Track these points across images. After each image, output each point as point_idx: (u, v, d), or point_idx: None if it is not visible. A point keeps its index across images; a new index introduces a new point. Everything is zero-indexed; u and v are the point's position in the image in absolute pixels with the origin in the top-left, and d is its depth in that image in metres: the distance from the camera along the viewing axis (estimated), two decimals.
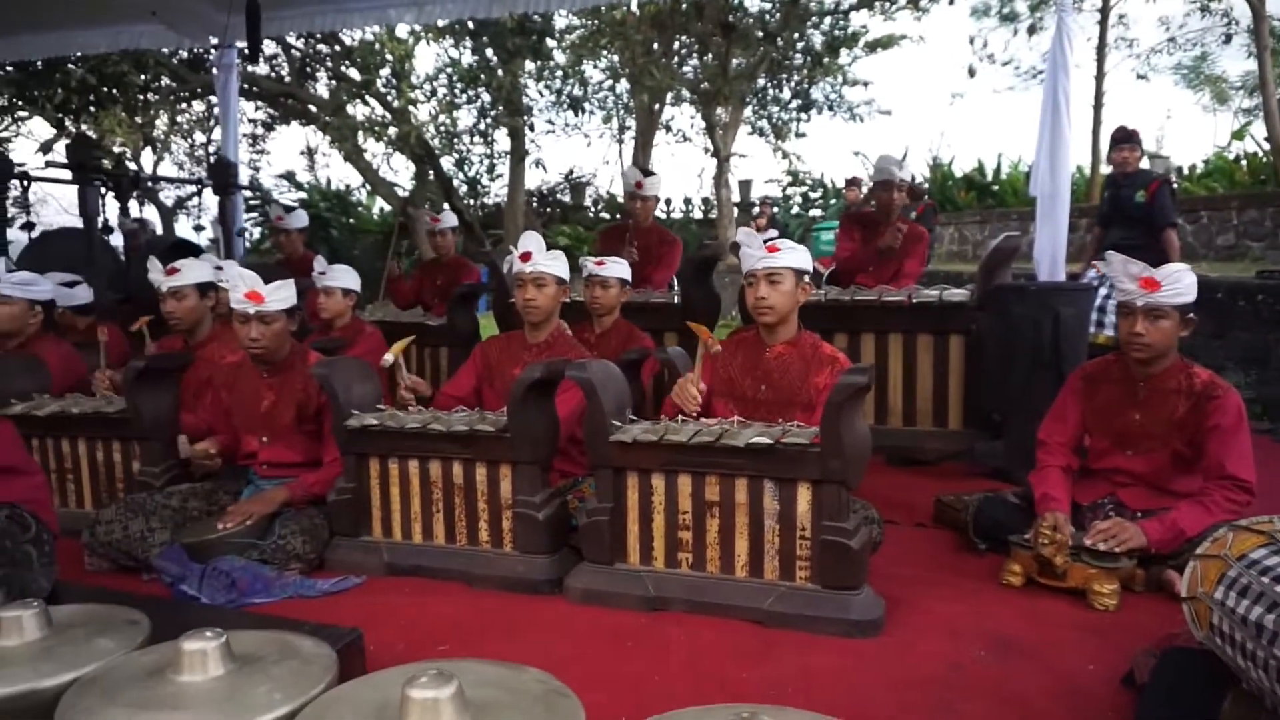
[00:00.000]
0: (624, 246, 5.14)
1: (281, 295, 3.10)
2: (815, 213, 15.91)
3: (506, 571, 2.78)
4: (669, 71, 12.85)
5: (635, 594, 2.60)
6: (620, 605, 2.59)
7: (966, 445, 4.04)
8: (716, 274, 4.96)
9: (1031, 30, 14.64)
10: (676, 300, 4.54)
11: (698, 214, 17.99)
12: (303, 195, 17.91)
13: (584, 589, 2.65)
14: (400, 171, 17.34)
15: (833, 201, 15.50)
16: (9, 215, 5.97)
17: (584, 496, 2.97)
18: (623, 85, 15.51)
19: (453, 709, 0.88)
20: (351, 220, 17.81)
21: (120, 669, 1.04)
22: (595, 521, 2.64)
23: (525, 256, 3.31)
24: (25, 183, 5.83)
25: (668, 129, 16.83)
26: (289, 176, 18.37)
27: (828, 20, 13.67)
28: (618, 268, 3.91)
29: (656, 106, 15.30)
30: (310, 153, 18.53)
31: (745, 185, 17.39)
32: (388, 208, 17.61)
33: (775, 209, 15.58)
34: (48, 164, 5.75)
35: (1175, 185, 6.94)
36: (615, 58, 14.25)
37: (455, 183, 16.17)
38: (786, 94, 14.95)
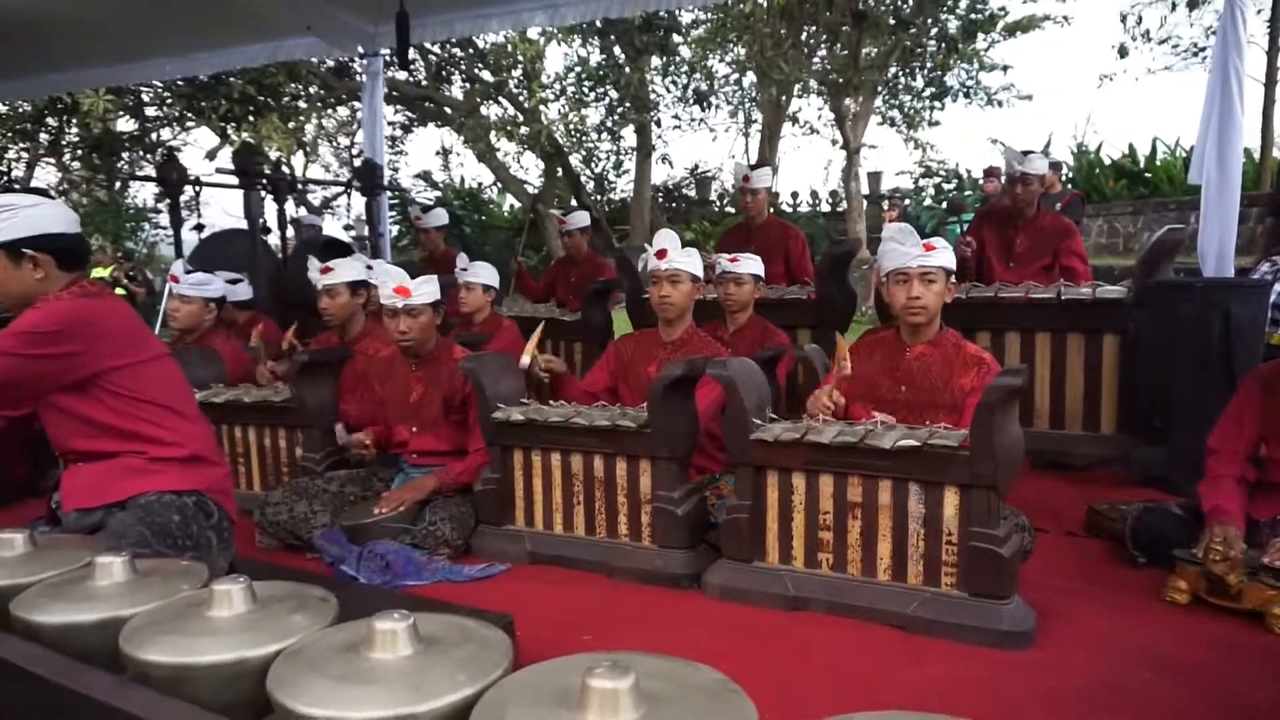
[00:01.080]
0: (742, 243, 5.11)
1: (426, 290, 3.25)
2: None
3: (645, 565, 2.82)
4: (798, 63, 12.66)
5: (774, 592, 2.59)
6: (759, 603, 2.59)
7: (1121, 451, 3.82)
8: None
9: (1193, 4, 13.59)
10: (811, 296, 4.48)
11: (825, 207, 17.66)
12: (438, 194, 18.66)
13: (722, 585, 2.66)
14: (530, 169, 17.79)
15: (968, 193, 14.90)
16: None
17: (721, 493, 2.99)
18: (749, 78, 15.40)
19: (630, 700, 0.91)
20: (483, 217, 18.43)
21: (318, 643, 1.12)
22: (734, 519, 2.65)
23: (661, 254, 3.35)
24: (197, 188, 6.30)
25: (794, 121, 16.60)
26: (425, 176, 19.19)
27: (964, 4, 13.15)
28: (751, 264, 3.89)
29: (783, 99, 15.12)
30: (445, 153, 19.28)
31: (875, 177, 16.96)
32: (517, 204, 18.12)
33: (906, 201, 15.12)
34: (217, 170, 6.18)
35: None
36: (741, 51, 14.16)
37: (583, 179, 16.48)
38: (919, 82, 14.48)
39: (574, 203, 17.14)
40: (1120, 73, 22.23)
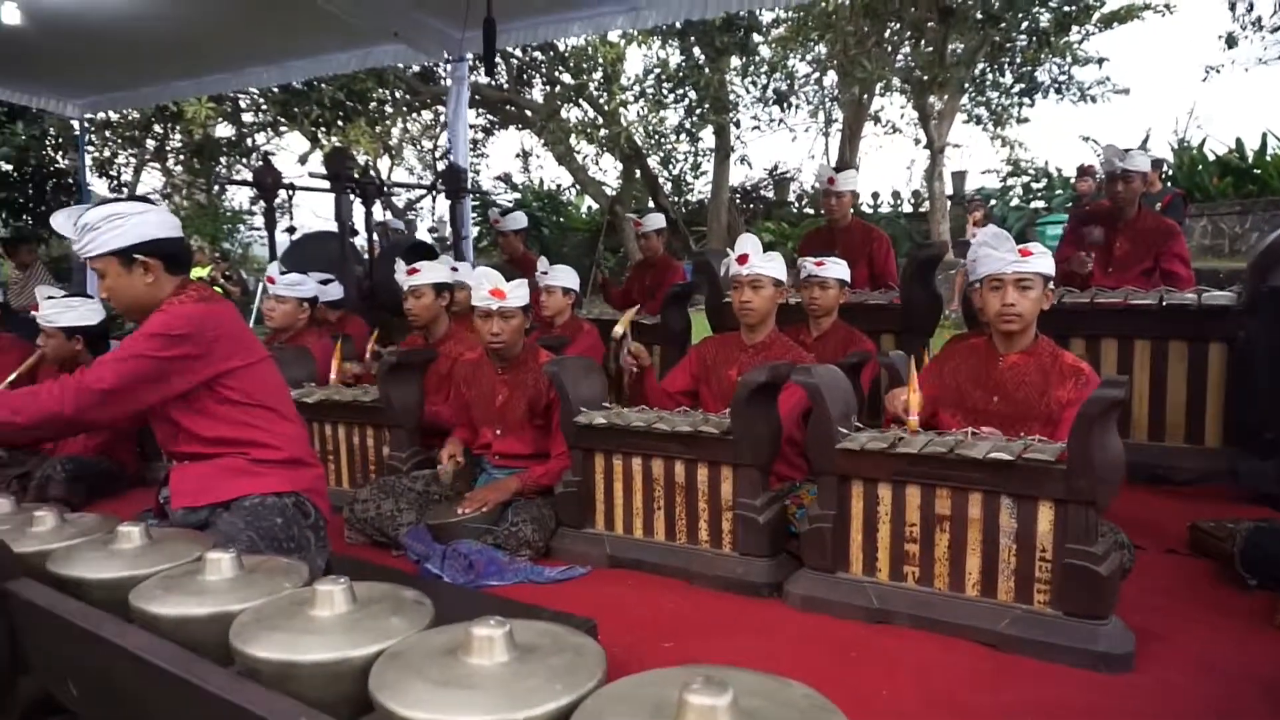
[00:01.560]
0: (826, 247, 5.04)
1: (520, 293, 3.31)
2: (1038, 204, 14.81)
3: (725, 572, 2.81)
4: (881, 61, 12.42)
5: (857, 604, 2.55)
6: (841, 614, 2.55)
7: (1226, 466, 3.63)
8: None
9: None
10: (895, 301, 4.39)
11: (906, 208, 17.30)
12: (517, 196, 18.95)
13: (804, 595, 2.63)
14: (608, 171, 17.92)
15: (1058, 192, 14.39)
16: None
17: (802, 502, 2.95)
18: (830, 77, 15.19)
19: (728, 718, 0.90)
20: (561, 219, 18.64)
21: (418, 647, 1.14)
22: (817, 528, 2.61)
23: (742, 259, 3.32)
24: (291, 192, 6.53)
25: (876, 120, 16.31)
26: (505, 178, 19.51)
27: None
28: (837, 268, 3.83)
29: (865, 97, 14.86)
30: (525, 155, 19.54)
31: (959, 177, 16.54)
32: (595, 206, 18.28)
33: (992, 202, 14.70)
34: (310, 174, 6.41)
35: None
36: (822, 49, 13.98)
37: (660, 180, 16.52)
38: (1008, 78, 14.05)
39: (651, 204, 17.19)
40: (1228, 64, 21.02)
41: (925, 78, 12.60)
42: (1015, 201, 15.30)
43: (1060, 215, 11.66)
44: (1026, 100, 14.23)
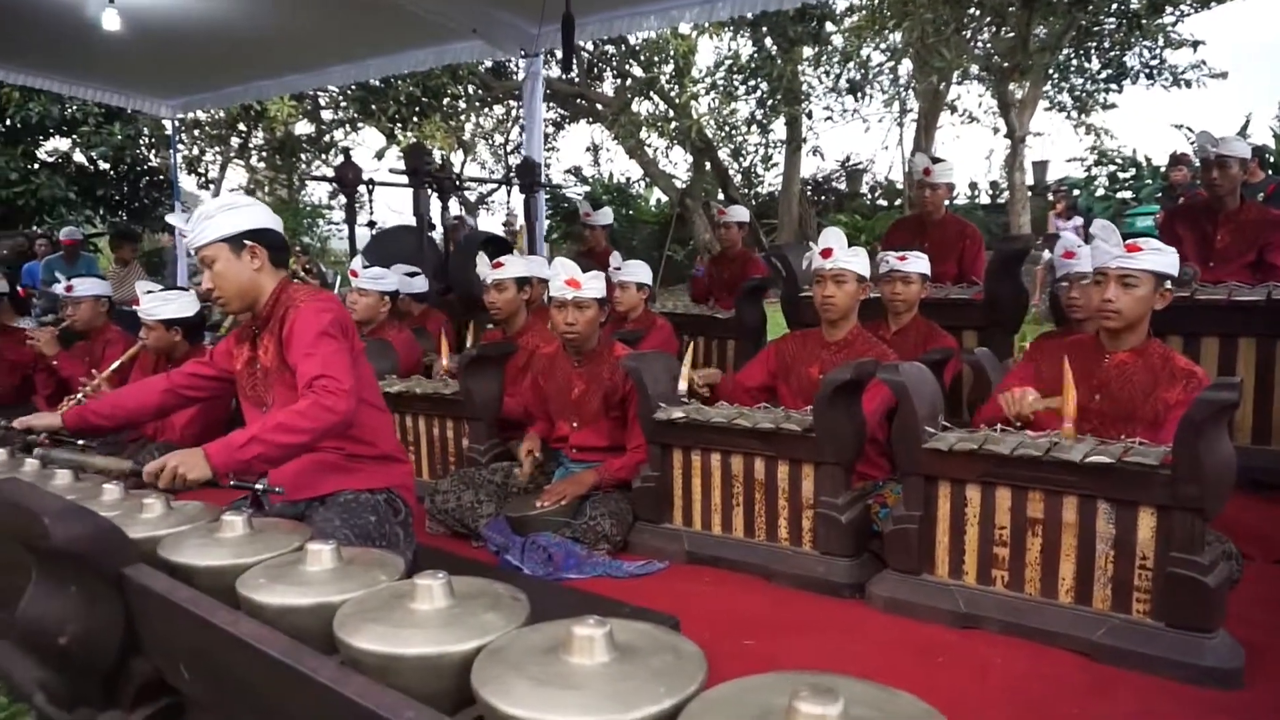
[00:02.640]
0: (914, 239, 4.91)
1: (596, 285, 3.33)
2: (1125, 195, 14.24)
3: (806, 571, 2.77)
4: (960, 48, 12.07)
5: (943, 608, 2.48)
6: (926, 618, 2.50)
7: None
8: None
9: None
10: (978, 296, 4.26)
11: (984, 199, 16.83)
12: (587, 188, 19.04)
13: (888, 597, 2.58)
14: (678, 164, 17.87)
15: (1147, 182, 13.81)
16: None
17: (885, 501, 2.89)
18: (905, 66, 14.83)
19: None
20: (630, 212, 18.65)
21: (517, 643, 1.15)
22: (902, 529, 2.56)
23: (826, 253, 3.27)
24: (370, 187, 6.67)
25: (953, 109, 15.88)
26: (576, 171, 19.60)
27: None
28: (919, 262, 3.74)
29: (942, 86, 14.48)
30: (595, 149, 19.60)
31: (1040, 167, 16.02)
32: (664, 198, 18.25)
33: (1076, 192, 14.18)
34: (390, 170, 6.55)
35: None
36: (897, 37, 13.66)
37: (730, 173, 16.40)
38: (1095, 63, 13.51)
39: (721, 196, 17.08)
40: None
41: (1006, 65, 12.20)
42: (1100, 192, 14.74)
43: (1151, 207, 11.18)
44: (1114, 86, 13.68)
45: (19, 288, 9.52)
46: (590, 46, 14.59)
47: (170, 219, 4.24)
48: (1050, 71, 12.99)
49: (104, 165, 14.50)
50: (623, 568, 2.95)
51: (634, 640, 1.14)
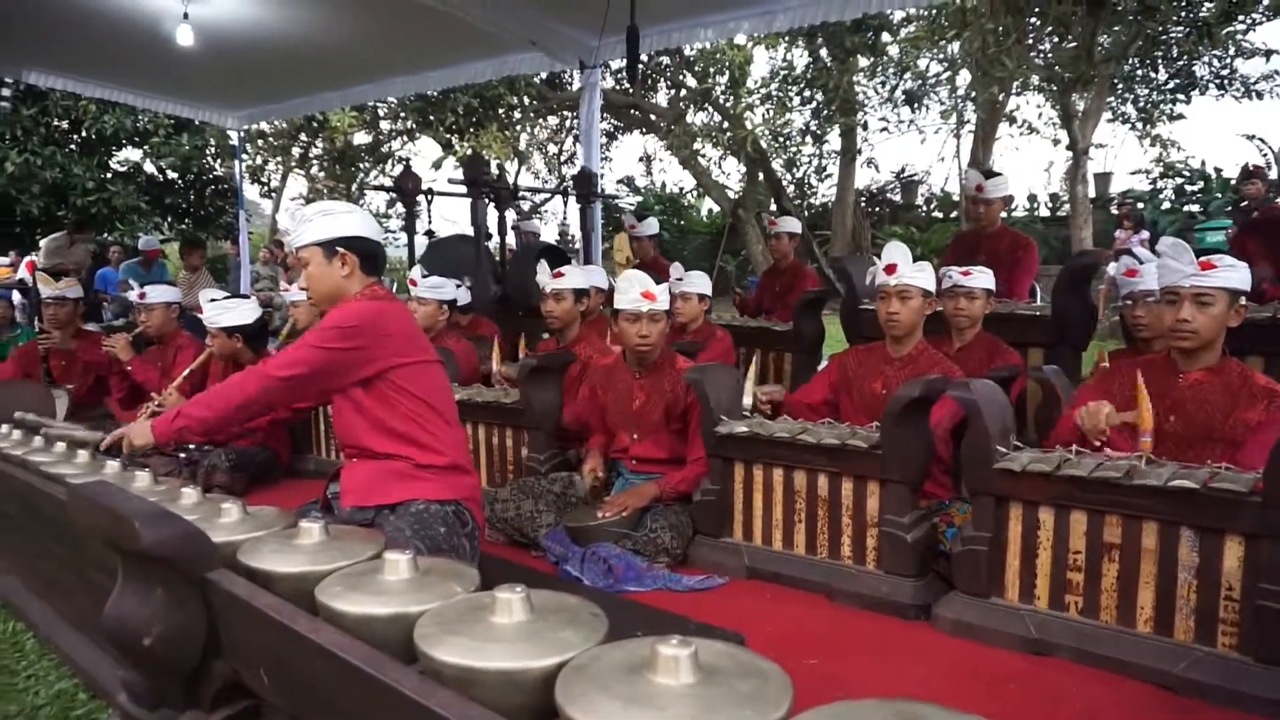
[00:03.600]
0: (971, 254, 4.82)
1: (666, 298, 3.34)
2: (1193, 209, 13.83)
3: (870, 590, 2.73)
4: (1023, 59, 11.83)
5: (1013, 633, 2.42)
6: (996, 643, 2.43)
7: None
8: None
9: None
10: (1044, 312, 4.16)
11: (1044, 211, 16.49)
12: (639, 199, 19.11)
13: (955, 620, 2.52)
14: (731, 174, 17.83)
15: (1216, 196, 13.40)
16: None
17: (952, 521, 2.83)
18: (963, 76, 14.62)
19: None
20: (682, 222, 18.67)
21: (600, 660, 1.14)
22: (971, 550, 2.50)
23: (890, 268, 3.23)
24: (430, 197, 6.78)
25: (1012, 120, 15.60)
26: (628, 181, 19.69)
27: None
28: (983, 277, 3.67)
29: (1001, 96, 14.23)
30: (648, 159, 19.67)
31: (1103, 179, 15.64)
32: (715, 209, 18.22)
33: (1140, 205, 13.82)
34: (449, 181, 6.63)
35: None
36: (954, 47, 13.47)
37: (784, 183, 16.32)
38: (1161, 74, 13.17)
39: (774, 207, 17.00)
40: None
41: (1069, 76, 11.94)
42: (1166, 205, 14.35)
43: (1222, 221, 10.86)
44: (1181, 97, 13.32)
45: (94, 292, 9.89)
46: (645, 58, 14.65)
47: (280, 220, 4.36)
48: (1117, 82, 12.68)
49: (172, 175, 14.97)
50: (682, 582, 2.93)
51: (716, 661, 1.13)
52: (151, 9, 6.23)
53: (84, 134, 13.74)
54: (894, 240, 3.48)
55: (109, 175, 14.00)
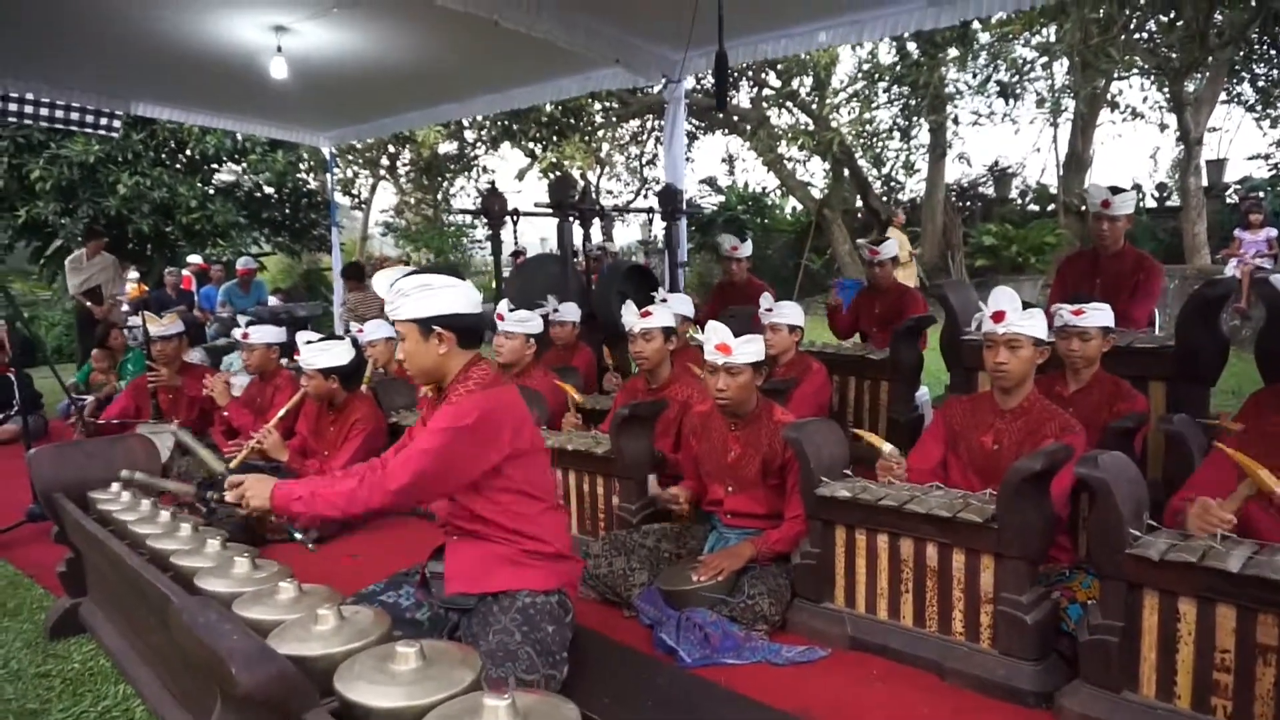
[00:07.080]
0: (1087, 279, 4.51)
1: (749, 350, 3.17)
2: None
3: (985, 672, 2.55)
4: (1130, 46, 11.17)
5: None
6: None
7: None
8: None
9: None
10: (1167, 345, 3.85)
11: (1150, 202, 15.60)
12: (722, 199, 18.89)
13: (1082, 713, 2.33)
14: (815, 172, 17.44)
15: None
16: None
17: (1075, 597, 2.63)
18: (1060, 63, 13.92)
19: None
20: (766, 221, 18.37)
21: None
22: (1101, 640, 2.30)
23: (998, 316, 3.01)
24: (515, 218, 6.78)
25: (1114, 106, 14.81)
26: (710, 182, 19.47)
27: None
28: (1099, 314, 3.40)
29: (1102, 82, 13.50)
30: (730, 160, 19.43)
31: (1217, 167, 14.68)
32: (799, 206, 17.86)
33: (1260, 194, 12.91)
34: (535, 205, 6.62)
35: None
36: (1050, 33, 12.81)
37: (870, 180, 15.88)
38: None
39: (860, 204, 16.57)
40: None
41: (1180, 60, 11.22)
42: None
43: None
44: None
45: (198, 311, 10.29)
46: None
47: (375, 283, 4.34)
48: (1236, 65, 11.86)
49: (268, 190, 15.51)
50: (782, 653, 2.80)
51: None
52: (248, 45, 6.41)
53: (188, 154, 14.34)
54: (1001, 286, 3.24)
55: (211, 192, 14.58)
